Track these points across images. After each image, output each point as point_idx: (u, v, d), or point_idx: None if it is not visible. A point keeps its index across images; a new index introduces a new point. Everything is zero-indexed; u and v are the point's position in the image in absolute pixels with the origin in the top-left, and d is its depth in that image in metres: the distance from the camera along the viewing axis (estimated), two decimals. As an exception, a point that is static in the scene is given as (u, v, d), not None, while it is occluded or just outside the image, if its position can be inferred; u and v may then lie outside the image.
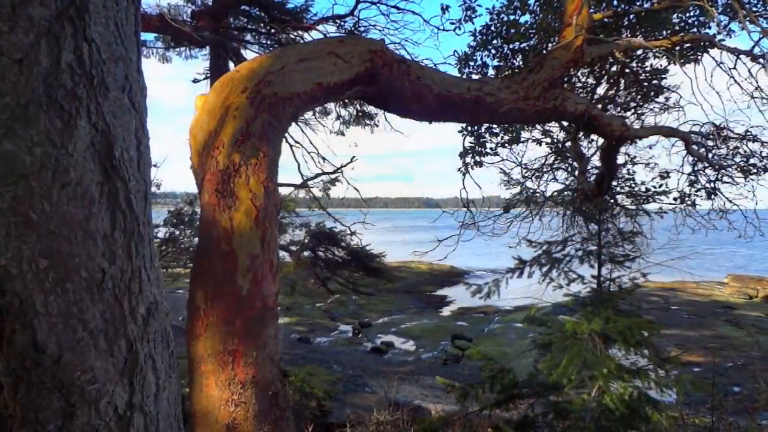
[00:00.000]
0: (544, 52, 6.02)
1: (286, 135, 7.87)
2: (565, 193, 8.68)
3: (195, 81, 10.85)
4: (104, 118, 1.24)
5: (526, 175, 8.93)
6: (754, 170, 7.53)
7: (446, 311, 25.55)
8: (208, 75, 9.97)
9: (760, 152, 7.48)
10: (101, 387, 1.22)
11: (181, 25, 7.36)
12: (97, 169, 1.23)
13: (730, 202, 7.87)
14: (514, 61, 7.54)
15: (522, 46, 7.42)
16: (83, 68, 1.19)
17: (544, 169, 9.00)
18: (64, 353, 1.15)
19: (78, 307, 1.18)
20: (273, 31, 9.43)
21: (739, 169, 7.64)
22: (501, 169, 8.84)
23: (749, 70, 6.41)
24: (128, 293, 1.32)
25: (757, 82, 6.50)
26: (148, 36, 10.43)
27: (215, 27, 8.25)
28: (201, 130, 3.33)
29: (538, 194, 8.86)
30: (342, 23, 9.22)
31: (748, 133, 7.39)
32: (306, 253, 10.31)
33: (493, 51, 7.45)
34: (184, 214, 8.63)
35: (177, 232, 8.54)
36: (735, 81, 6.53)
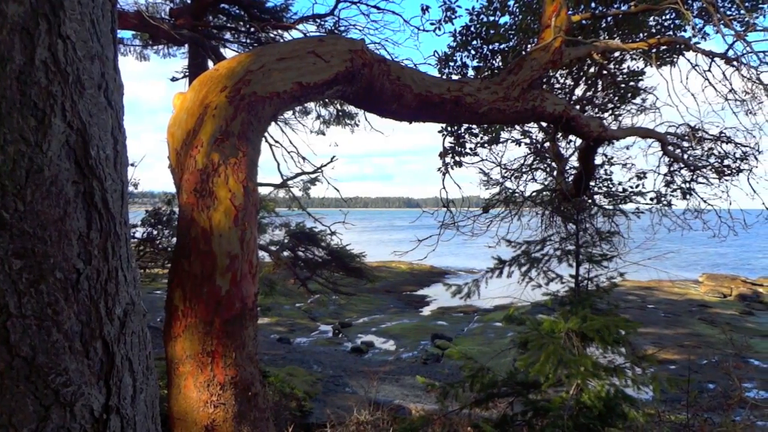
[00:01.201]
0: (524, 53, 6.07)
1: (266, 134, 7.83)
2: (544, 193, 8.74)
3: (173, 79, 10.75)
4: (80, 116, 1.23)
5: (506, 175, 8.98)
6: (728, 171, 7.67)
7: (426, 311, 25.65)
8: (187, 73, 9.88)
9: (734, 153, 7.61)
10: (76, 389, 1.20)
11: (159, 23, 7.27)
12: (73, 168, 1.21)
13: (705, 202, 8.00)
14: (494, 61, 7.58)
15: (501, 47, 7.47)
16: (58, 66, 1.17)
17: (523, 170, 9.06)
18: (38, 355, 1.13)
19: (53, 308, 1.16)
20: (252, 29, 9.37)
21: (713, 170, 7.77)
22: (480, 169, 8.87)
23: (723, 73, 6.52)
24: (104, 294, 1.30)
25: (731, 84, 6.62)
26: (125, 34, 10.34)
27: (194, 25, 8.17)
28: (179, 128, 3.30)
29: (517, 194, 8.91)
30: (322, 23, 9.20)
31: (722, 135, 7.52)
32: (286, 253, 10.27)
33: (473, 52, 7.48)
34: (162, 213, 8.52)
35: (155, 232, 8.44)
36: (710, 83, 6.63)
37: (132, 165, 7.76)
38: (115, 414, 1.32)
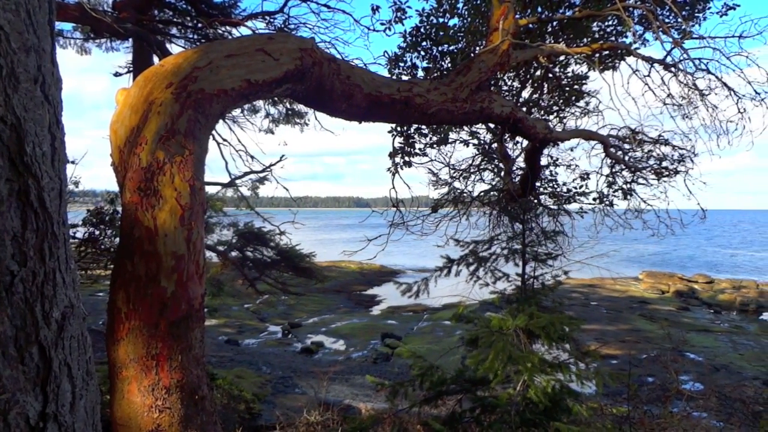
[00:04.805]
0: (472, 55, 6.16)
1: (214, 132, 7.68)
2: (492, 193, 8.91)
3: (117, 74, 10.42)
4: (14, 111, 1.17)
5: (454, 175, 9.10)
6: (666, 172, 8.01)
7: (376, 310, 25.69)
8: (131, 69, 9.60)
9: (672, 156, 7.96)
10: (11, 397, 1.15)
11: (101, 16, 7.01)
12: (6, 165, 1.16)
13: (645, 202, 8.34)
14: (443, 63, 7.66)
15: (451, 48, 7.56)
16: (-10, 58, 1.12)
17: (472, 170, 9.20)
18: (-31, 362, 1.08)
19: (-16, 312, 1.11)
20: (200, 25, 9.16)
21: (652, 172, 8.10)
22: (429, 169, 8.97)
23: (662, 78, 6.82)
24: (41, 297, 1.25)
25: (669, 89, 6.92)
26: (65, 26, 9.96)
27: (138, 19, 7.92)
28: (122, 125, 3.20)
29: (465, 194, 9.04)
30: (271, 20, 9.08)
31: (661, 138, 7.86)
32: (234, 253, 10.11)
33: (423, 53, 7.55)
34: (104, 213, 8.23)
35: (97, 232, 8.14)
36: (649, 88, 6.91)
37: (72, 162, 7.49)
38: (53, 422, 1.26)
